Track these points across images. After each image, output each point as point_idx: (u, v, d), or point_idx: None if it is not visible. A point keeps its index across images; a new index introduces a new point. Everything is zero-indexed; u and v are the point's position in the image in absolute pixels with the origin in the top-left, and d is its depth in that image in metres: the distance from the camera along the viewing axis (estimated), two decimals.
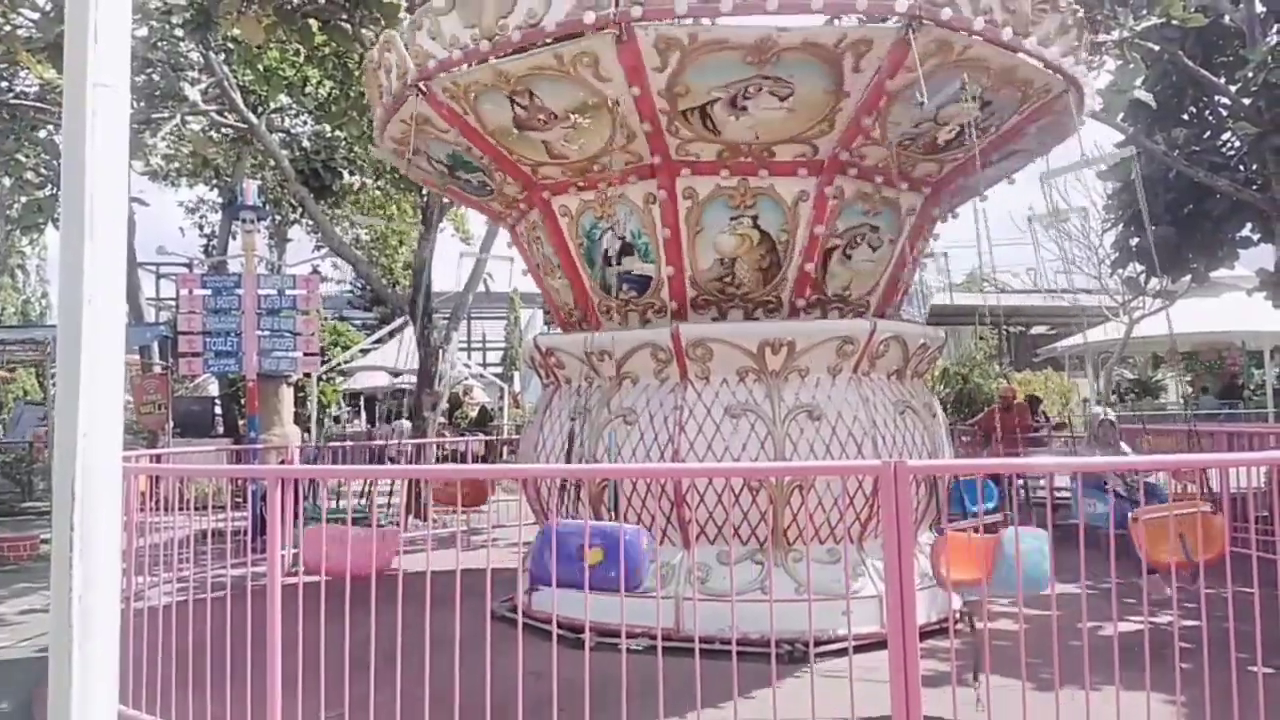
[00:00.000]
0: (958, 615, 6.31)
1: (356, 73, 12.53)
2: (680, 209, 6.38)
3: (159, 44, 12.85)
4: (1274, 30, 11.45)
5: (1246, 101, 10.79)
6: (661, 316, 6.71)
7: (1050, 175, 7.06)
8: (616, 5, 5.28)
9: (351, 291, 32.26)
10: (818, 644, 4.70)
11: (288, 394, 15.79)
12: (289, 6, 10.49)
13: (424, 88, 6.14)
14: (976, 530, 4.72)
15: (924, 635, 4.16)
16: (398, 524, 7.36)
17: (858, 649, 3.76)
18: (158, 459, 8.90)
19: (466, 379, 23.50)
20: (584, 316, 7.17)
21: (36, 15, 11.39)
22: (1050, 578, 4.10)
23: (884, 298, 7.08)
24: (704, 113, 5.88)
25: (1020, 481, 9.89)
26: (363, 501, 9.21)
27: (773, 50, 5.43)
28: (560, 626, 3.81)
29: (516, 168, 6.71)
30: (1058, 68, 6.15)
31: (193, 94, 14.34)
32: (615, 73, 5.61)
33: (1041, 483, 9.62)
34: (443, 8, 5.90)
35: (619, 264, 6.76)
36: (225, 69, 14.11)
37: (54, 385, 16.17)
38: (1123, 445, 7.73)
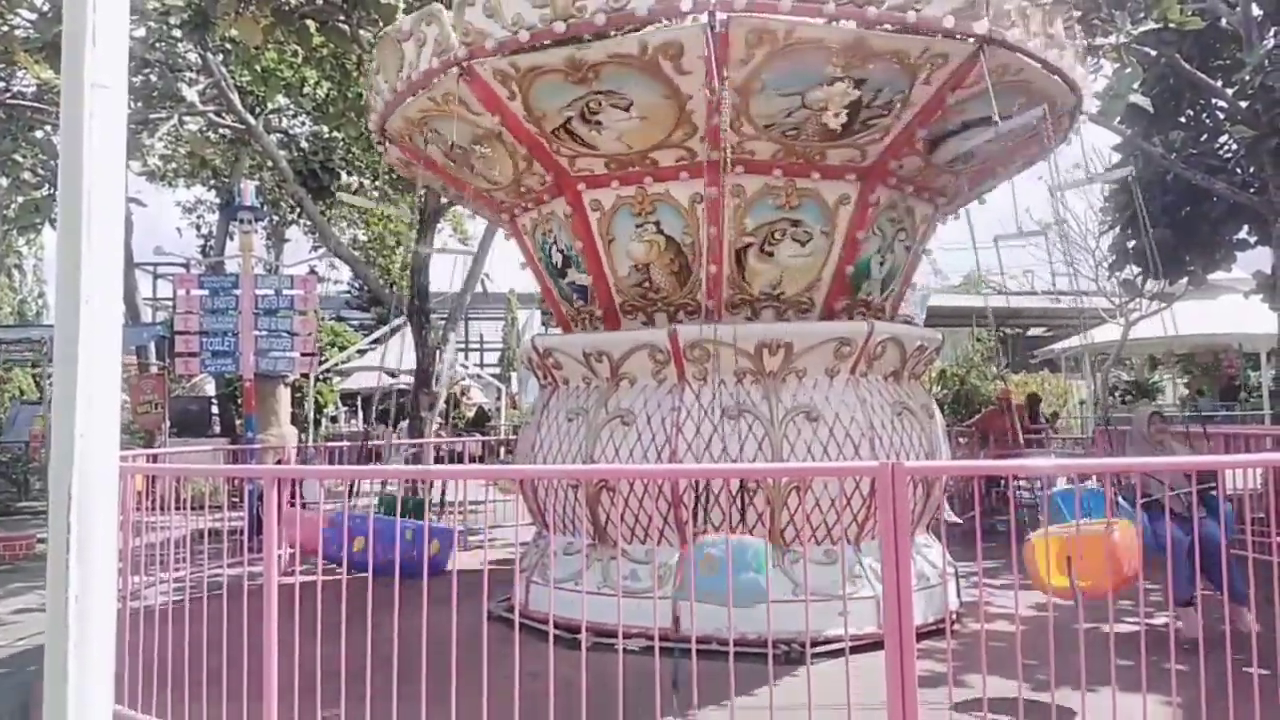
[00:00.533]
0: (954, 616, 6.33)
1: (355, 74, 12.53)
2: (591, 220, 6.56)
3: (157, 44, 12.86)
4: (1271, 33, 11.47)
5: (1244, 104, 10.81)
6: (600, 323, 6.94)
7: (1058, 189, 7.08)
8: None
9: (349, 292, 32.28)
10: (815, 644, 4.71)
11: (285, 394, 15.77)
12: (286, 7, 10.49)
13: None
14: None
15: (921, 636, 4.17)
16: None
17: (855, 650, 3.76)
18: (154, 459, 8.90)
19: (464, 380, 23.50)
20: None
21: (34, 16, 11.40)
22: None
23: (831, 294, 6.78)
24: (568, 129, 6.03)
25: (1019, 483, 9.89)
26: (352, 502, 9.19)
27: (587, 66, 5.49)
28: (557, 627, 3.81)
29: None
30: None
31: (190, 94, 14.35)
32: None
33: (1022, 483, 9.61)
34: None
35: (564, 276, 7.11)
36: (223, 69, 14.11)
37: (50, 385, 16.16)
38: (1175, 446, 6.63)
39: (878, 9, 5.32)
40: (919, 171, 6.73)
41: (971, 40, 5.47)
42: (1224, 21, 11.49)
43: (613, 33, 5.41)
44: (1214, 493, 5.65)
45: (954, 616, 6.33)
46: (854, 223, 6.65)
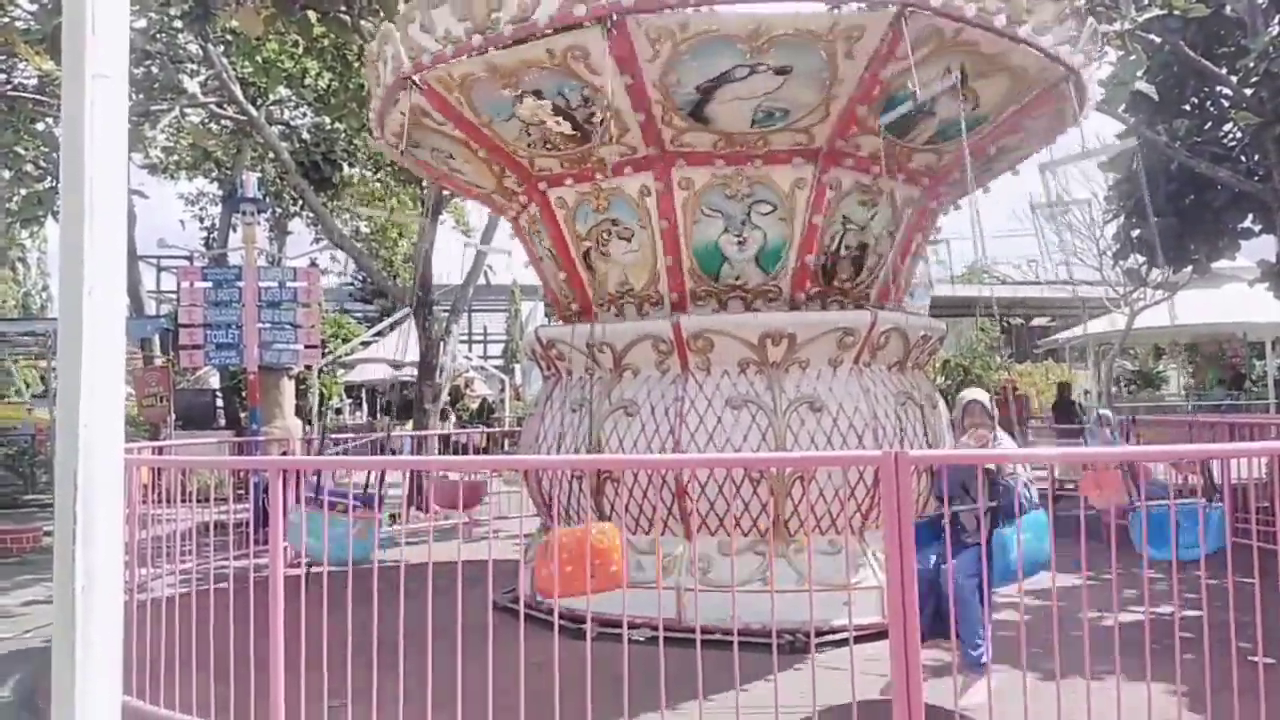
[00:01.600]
0: None
1: (356, 64, 12.51)
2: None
3: (158, 36, 12.85)
4: (1275, 20, 11.39)
5: (1248, 92, 10.75)
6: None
7: (1051, 165, 7.01)
8: None
9: (352, 284, 32.28)
10: (819, 634, 4.71)
11: (289, 386, 15.80)
12: None
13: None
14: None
15: None
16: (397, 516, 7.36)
17: (859, 639, 3.77)
18: (159, 452, 8.92)
19: (467, 371, 23.53)
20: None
21: (34, 7, 11.38)
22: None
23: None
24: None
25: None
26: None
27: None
28: (562, 617, 3.82)
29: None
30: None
31: (192, 86, 14.33)
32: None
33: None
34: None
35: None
36: (224, 61, 14.08)
37: (55, 378, 16.18)
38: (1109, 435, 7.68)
39: None
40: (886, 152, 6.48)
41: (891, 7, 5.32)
42: (1228, 8, 11.41)
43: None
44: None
45: None
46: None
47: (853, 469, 5.94)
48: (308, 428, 16.59)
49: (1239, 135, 11.88)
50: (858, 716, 3.46)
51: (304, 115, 17.94)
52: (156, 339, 19.24)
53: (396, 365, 19.95)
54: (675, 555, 6.17)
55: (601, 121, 5.98)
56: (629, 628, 3.80)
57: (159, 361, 17.87)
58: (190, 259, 22.38)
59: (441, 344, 13.47)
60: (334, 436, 13.87)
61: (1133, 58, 7.92)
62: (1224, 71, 11.44)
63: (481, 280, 14.97)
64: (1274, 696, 3.43)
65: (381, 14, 9.92)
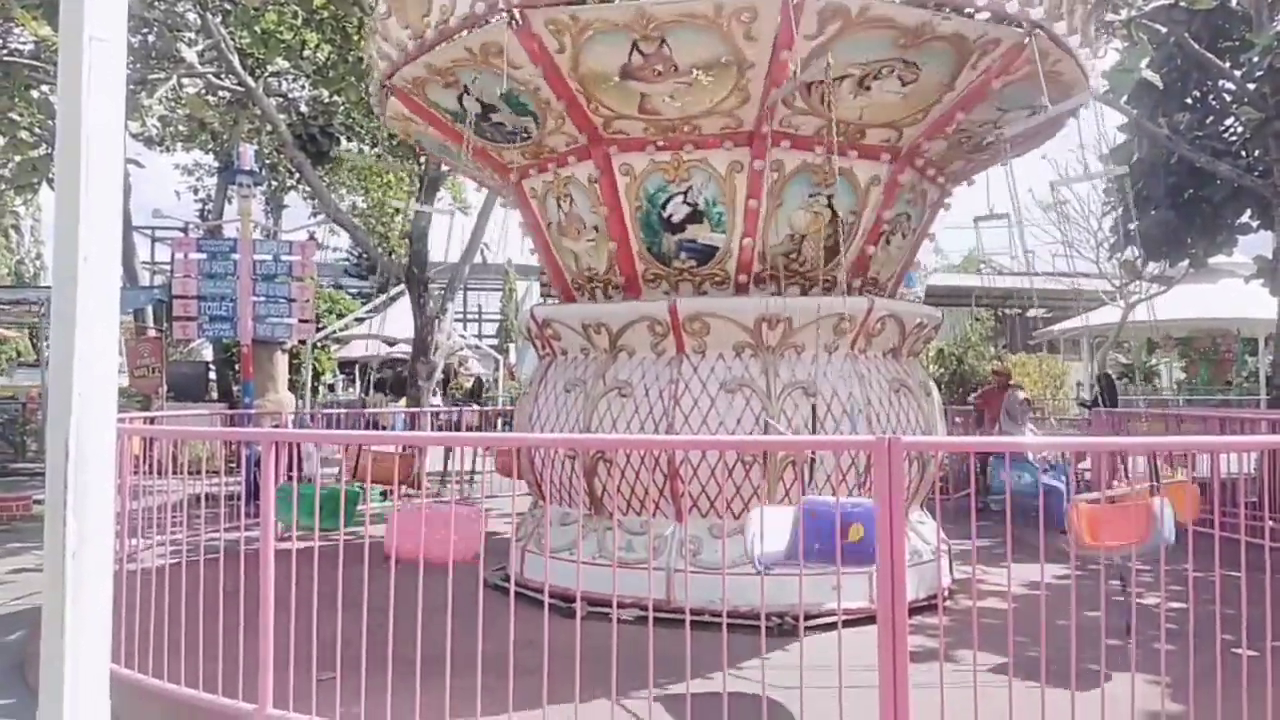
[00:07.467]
0: (947, 592, 6.37)
1: (355, 37, 12.39)
2: (766, 180, 6.30)
3: (156, 3, 12.71)
4: None
5: (1251, 86, 10.74)
6: (721, 288, 6.58)
7: (1059, 184, 7.06)
8: None
9: (348, 259, 32.14)
10: (808, 618, 4.74)
11: (282, 360, 15.75)
12: None
13: (519, 16, 5.58)
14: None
15: (913, 611, 4.19)
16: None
17: (847, 624, 3.78)
18: (152, 422, 8.90)
19: (462, 350, 23.48)
20: (625, 283, 6.82)
21: None
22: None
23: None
24: (823, 88, 5.72)
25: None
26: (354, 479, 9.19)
27: (927, 36, 5.52)
28: (552, 596, 3.83)
29: (587, 118, 6.29)
30: (1085, 69, 6.34)
31: (189, 55, 14.19)
32: (766, 33, 5.44)
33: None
34: None
35: (683, 231, 6.54)
36: (222, 30, 13.94)
37: (48, 346, 16.11)
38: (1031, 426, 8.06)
39: None
40: (941, 154, 6.81)
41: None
42: (1234, 2, 11.38)
43: None
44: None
45: (946, 593, 6.37)
46: (927, 224, 7.04)
47: (845, 454, 5.95)
48: (300, 402, 16.56)
49: (1240, 130, 11.87)
50: (845, 700, 3.48)
51: (302, 88, 17.77)
52: (150, 310, 19.14)
53: (390, 342, 19.89)
54: (665, 536, 6.19)
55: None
56: (619, 607, 3.81)
57: (152, 333, 17.80)
58: (185, 230, 22.22)
59: (436, 321, 13.44)
60: (325, 411, 13.85)
61: (1138, 47, 7.89)
62: (1227, 65, 11.42)
63: (477, 259, 14.92)
64: (1257, 689, 3.46)
65: None
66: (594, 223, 6.80)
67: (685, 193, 6.43)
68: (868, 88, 5.85)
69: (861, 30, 5.46)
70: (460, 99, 6.51)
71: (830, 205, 6.41)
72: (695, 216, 6.45)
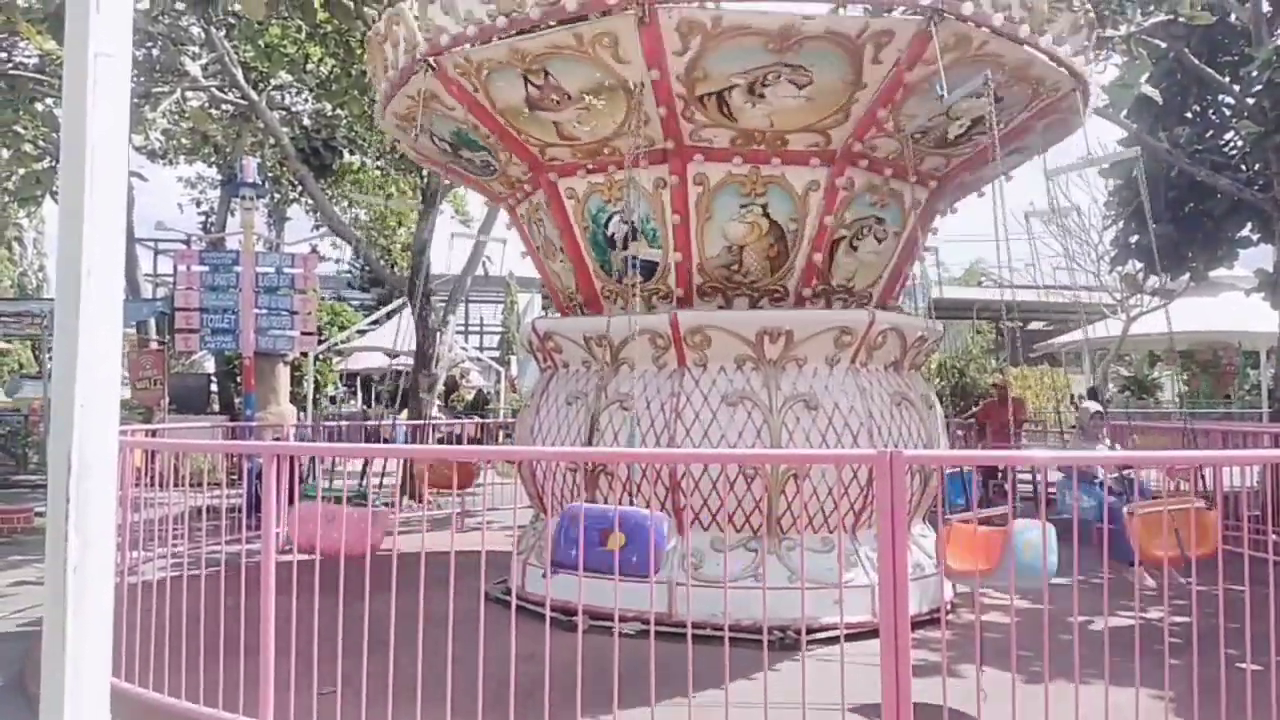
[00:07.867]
0: (949, 606, 6.34)
1: (358, 51, 12.44)
2: (691, 195, 6.36)
3: (160, 17, 12.78)
4: None
5: (1251, 100, 10.77)
6: (667, 302, 6.67)
7: (1055, 173, 6.99)
8: None
9: (350, 272, 32.21)
10: (810, 632, 4.72)
11: (284, 373, 15.76)
12: None
13: (434, 63, 6.06)
14: (985, 522, 4.70)
15: (915, 625, 4.18)
16: (392, 504, 7.35)
17: (849, 638, 3.77)
18: (153, 434, 8.90)
19: (463, 362, 23.49)
20: (586, 301, 7.14)
21: None
22: (1051, 570, 4.13)
23: (885, 290, 7.09)
24: (721, 98, 5.85)
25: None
26: (361, 483, 9.20)
27: (795, 38, 5.44)
28: (553, 609, 3.82)
29: (523, 148, 6.65)
30: (1069, 66, 6.16)
31: (193, 69, 14.24)
32: (635, 55, 5.57)
33: (1028, 476, 9.62)
34: None
35: (625, 248, 6.65)
36: (226, 44, 14.01)
37: (50, 358, 16.15)
38: (1106, 440, 7.69)
39: None
40: (899, 154, 6.60)
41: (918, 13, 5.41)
42: (1233, 16, 11.43)
43: (551, 24, 5.58)
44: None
45: (949, 607, 6.35)
46: (914, 228, 6.81)
47: (847, 467, 5.94)
48: (301, 414, 16.57)
49: (1240, 144, 11.90)
50: (847, 714, 3.47)
51: (305, 101, 17.84)
52: (152, 322, 19.15)
53: (392, 354, 19.91)
54: (667, 550, 6.16)
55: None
56: (621, 620, 3.80)
57: (154, 345, 17.81)
58: (188, 242, 22.28)
59: (438, 334, 13.45)
60: (326, 425, 13.84)
61: (1137, 62, 7.92)
62: (1226, 80, 11.46)
63: (479, 271, 14.94)
64: (1261, 702, 3.44)
65: (384, 0, 9.87)
66: (560, 244, 7.06)
67: (621, 212, 6.51)
68: (761, 95, 5.81)
69: (726, 40, 5.48)
70: (433, 139, 7.01)
71: (767, 214, 6.40)
72: (635, 234, 6.53)
